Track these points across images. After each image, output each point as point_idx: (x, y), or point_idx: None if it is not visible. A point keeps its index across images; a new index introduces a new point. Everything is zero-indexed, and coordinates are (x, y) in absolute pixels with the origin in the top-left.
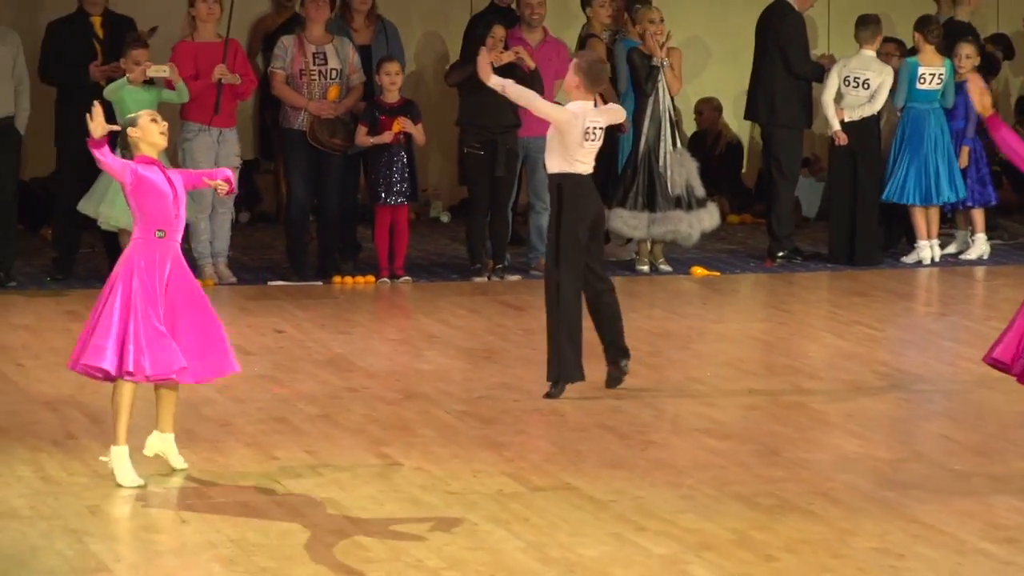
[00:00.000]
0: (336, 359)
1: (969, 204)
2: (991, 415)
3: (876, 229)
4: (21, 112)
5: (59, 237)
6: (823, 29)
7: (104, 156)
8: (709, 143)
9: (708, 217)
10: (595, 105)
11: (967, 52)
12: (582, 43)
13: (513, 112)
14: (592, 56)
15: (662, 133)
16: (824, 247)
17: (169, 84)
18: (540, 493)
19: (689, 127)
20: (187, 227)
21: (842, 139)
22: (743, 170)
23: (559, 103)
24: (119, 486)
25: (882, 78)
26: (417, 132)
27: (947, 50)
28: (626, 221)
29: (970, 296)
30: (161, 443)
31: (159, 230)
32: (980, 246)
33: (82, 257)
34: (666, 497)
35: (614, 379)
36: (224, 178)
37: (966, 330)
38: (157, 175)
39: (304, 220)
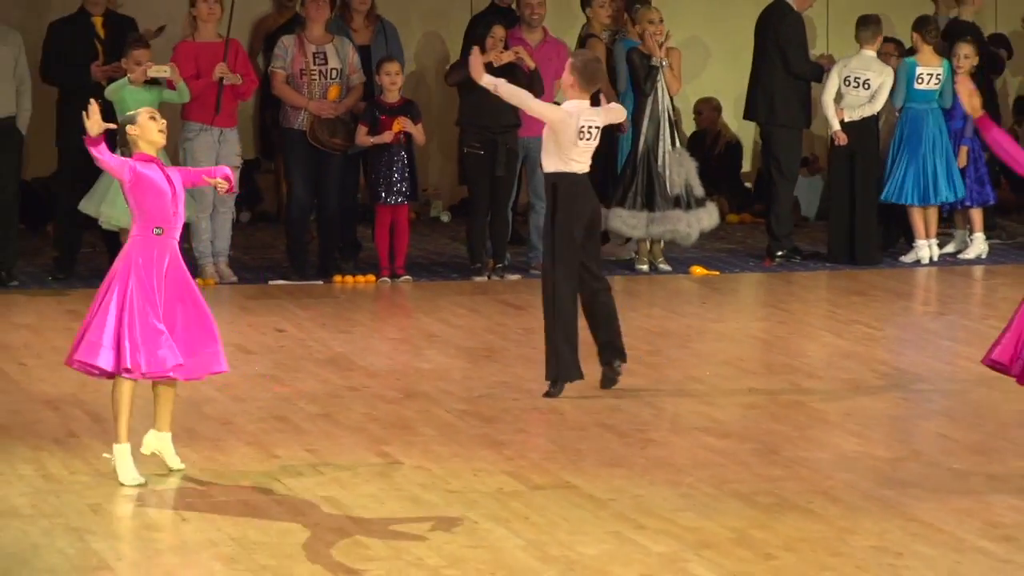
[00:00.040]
0: (337, 358)
1: (967, 204)
2: (989, 414)
3: (875, 229)
4: (23, 112)
5: (60, 237)
6: (822, 29)
7: (101, 154)
8: (708, 143)
9: (707, 217)
10: (591, 104)
11: (965, 52)
12: (582, 43)
13: (513, 112)
14: (587, 55)
15: (661, 133)
16: (823, 246)
17: (170, 84)
18: (540, 491)
19: (688, 127)
20: (188, 226)
21: (841, 139)
22: (742, 170)
23: (557, 103)
24: (121, 484)
25: (882, 78)
26: (417, 132)
27: (949, 50)
28: (625, 220)
29: (968, 295)
30: (158, 442)
31: (157, 227)
32: (978, 245)
33: (83, 257)
34: (665, 495)
35: (608, 380)
36: (223, 176)
37: (964, 329)
38: (155, 172)
39: (304, 219)
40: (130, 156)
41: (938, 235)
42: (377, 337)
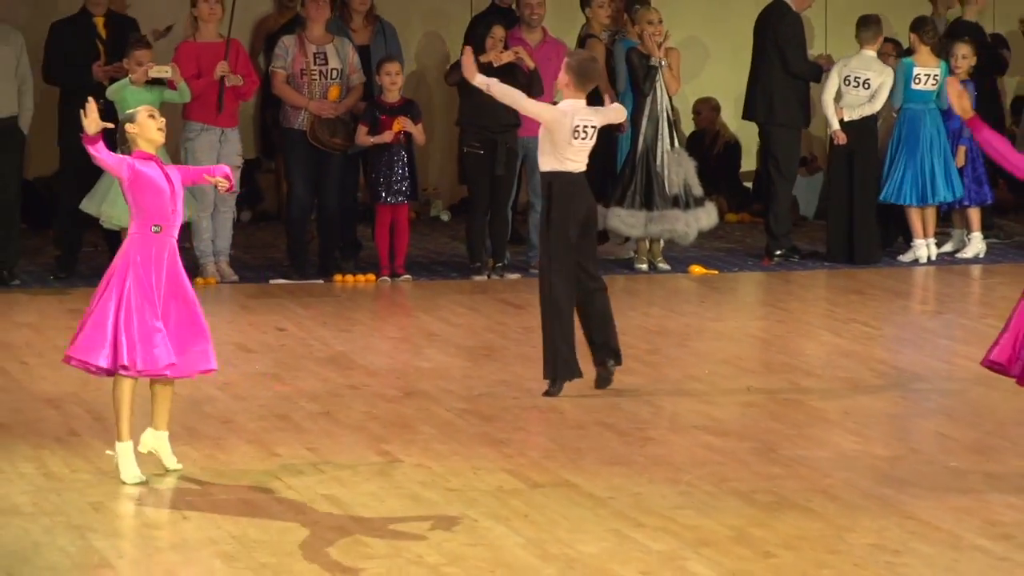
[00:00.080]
0: (337, 357)
1: (966, 203)
2: (988, 413)
3: (874, 228)
4: (25, 111)
5: (62, 236)
6: (820, 29)
7: (99, 152)
8: (707, 143)
9: (705, 216)
10: (589, 104)
11: (963, 52)
12: (581, 43)
13: (513, 112)
14: (582, 55)
15: (660, 133)
16: (822, 246)
17: (171, 84)
18: (539, 490)
19: (687, 127)
20: (189, 225)
21: (841, 138)
22: (741, 169)
23: (556, 103)
24: (122, 482)
25: (883, 78)
26: (417, 132)
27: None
28: (623, 220)
29: (966, 294)
30: (155, 440)
31: (155, 225)
32: (976, 245)
33: (85, 256)
34: (664, 494)
35: (603, 380)
36: (223, 175)
37: (962, 328)
38: (154, 171)
39: (305, 219)
40: (129, 154)
41: (936, 234)
42: (377, 336)
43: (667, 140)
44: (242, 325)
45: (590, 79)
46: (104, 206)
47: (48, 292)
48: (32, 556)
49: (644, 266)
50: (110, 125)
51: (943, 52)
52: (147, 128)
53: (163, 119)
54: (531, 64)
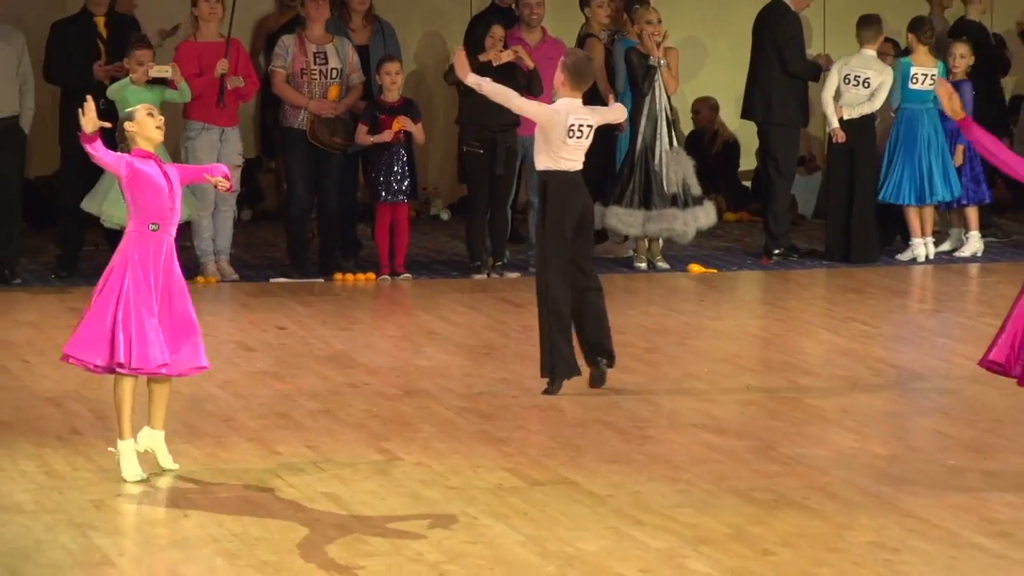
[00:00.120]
0: (337, 355)
1: (964, 202)
2: (985, 411)
3: (872, 227)
4: (26, 111)
5: (63, 235)
6: (818, 29)
7: (96, 150)
8: (706, 142)
9: (704, 215)
10: (586, 103)
11: (961, 52)
12: (581, 43)
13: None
14: (578, 54)
15: (658, 132)
16: (820, 245)
17: (172, 84)
18: (539, 488)
19: (686, 126)
20: (190, 224)
21: (840, 137)
22: (740, 168)
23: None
24: (123, 480)
25: (882, 78)
26: (417, 131)
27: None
28: (622, 219)
29: (964, 293)
30: (151, 439)
31: (153, 223)
32: (974, 244)
33: (86, 255)
34: (663, 491)
35: (597, 379)
36: (223, 175)
37: (960, 327)
38: (153, 169)
39: (305, 218)
40: (128, 152)
41: (934, 233)
42: (377, 334)
43: (666, 139)
44: (242, 324)
45: (586, 78)
46: (105, 205)
47: (49, 291)
48: (34, 554)
49: (643, 265)
50: (108, 124)
51: (941, 52)
52: (146, 126)
53: (162, 117)
54: (530, 64)
